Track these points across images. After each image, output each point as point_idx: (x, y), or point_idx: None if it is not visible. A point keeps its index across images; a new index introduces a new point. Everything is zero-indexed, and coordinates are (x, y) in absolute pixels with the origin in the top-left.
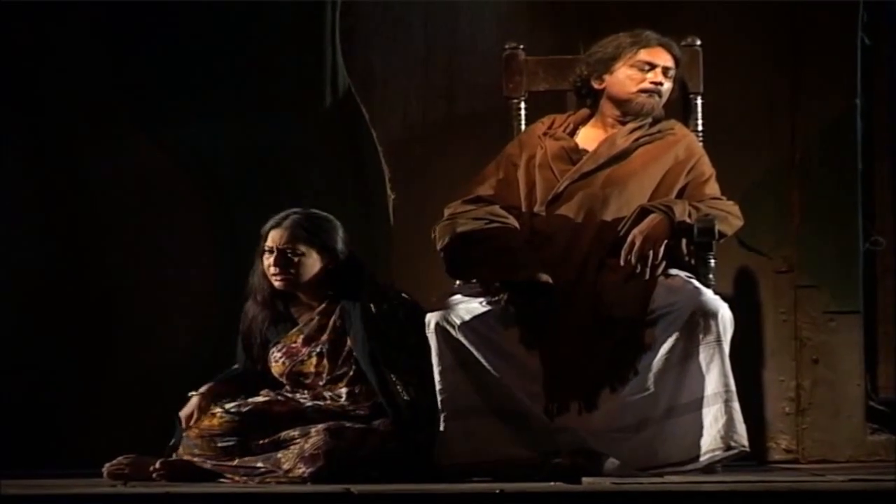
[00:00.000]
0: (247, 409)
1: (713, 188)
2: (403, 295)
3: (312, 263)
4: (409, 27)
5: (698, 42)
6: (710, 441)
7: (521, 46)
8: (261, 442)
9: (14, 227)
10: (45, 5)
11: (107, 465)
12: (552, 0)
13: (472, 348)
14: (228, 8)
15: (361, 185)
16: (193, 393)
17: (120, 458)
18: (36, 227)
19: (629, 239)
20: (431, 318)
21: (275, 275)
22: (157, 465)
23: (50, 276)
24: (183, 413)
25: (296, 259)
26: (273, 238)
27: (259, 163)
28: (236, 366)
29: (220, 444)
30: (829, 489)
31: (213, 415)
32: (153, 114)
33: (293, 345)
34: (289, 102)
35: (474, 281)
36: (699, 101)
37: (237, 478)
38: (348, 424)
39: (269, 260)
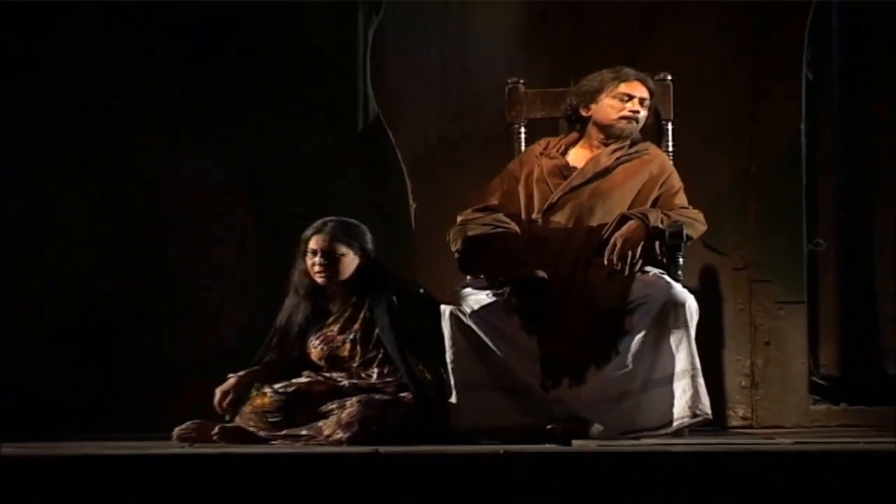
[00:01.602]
0: (292, 389)
1: (682, 199)
2: (420, 290)
3: (350, 262)
4: (428, 64)
5: (669, 77)
6: (679, 410)
7: (522, 81)
8: (304, 416)
9: (94, 230)
10: (109, 26)
11: (176, 429)
12: (547, 39)
13: (480, 333)
14: (278, 44)
15: (388, 196)
16: (232, 375)
17: (188, 423)
18: (112, 228)
19: (611, 241)
20: (446, 309)
21: (318, 272)
22: (217, 430)
23: (124, 271)
24: (220, 389)
25: (336, 258)
26: (316, 241)
27: (300, 176)
28: (264, 355)
29: (270, 420)
30: (779, 450)
31: (264, 394)
32: (212, 130)
33: (329, 333)
34: (327, 126)
35: (482, 276)
36: (670, 127)
37: (285, 443)
38: (377, 397)
39: (312, 260)
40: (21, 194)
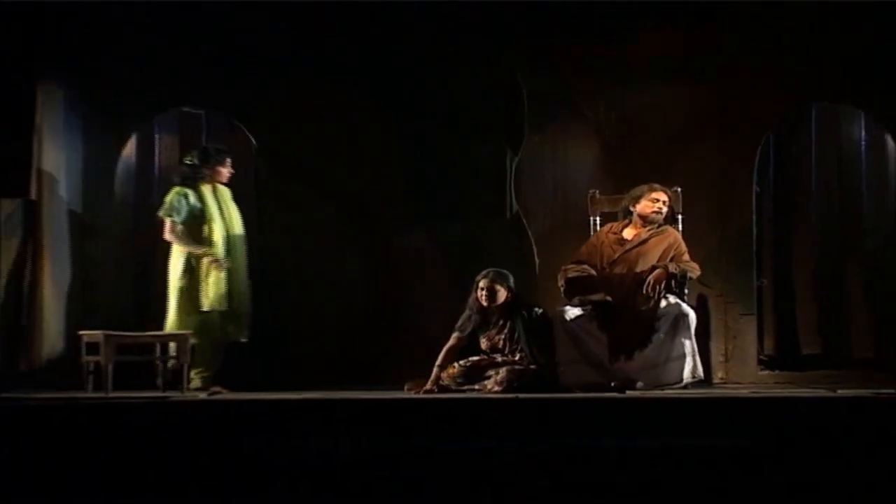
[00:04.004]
0: (469, 363)
1: (687, 256)
2: (537, 310)
3: (503, 293)
4: (544, 180)
5: (679, 189)
6: (686, 374)
7: (598, 191)
8: (476, 378)
9: (368, 276)
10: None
11: (406, 383)
12: (611, 162)
13: (576, 330)
14: (463, 167)
15: (523, 256)
16: (429, 386)
17: (413, 380)
18: (381, 276)
19: (647, 280)
20: (555, 317)
21: (485, 299)
22: (429, 385)
23: (381, 296)
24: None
25: (495, 292)
26: (483, 282)
27: (474, 245)
28: (451, 343)
29: (457, 380)
30: (741, 396)
31: (454, 367)
32: (426, 219)
33: (491, 333)
34: (489, 217)
35: (576, 300)
36: (680, 217)
37: (466, 393)
38: (517, 367)
39: (481, 293)
40: (347, 262)
